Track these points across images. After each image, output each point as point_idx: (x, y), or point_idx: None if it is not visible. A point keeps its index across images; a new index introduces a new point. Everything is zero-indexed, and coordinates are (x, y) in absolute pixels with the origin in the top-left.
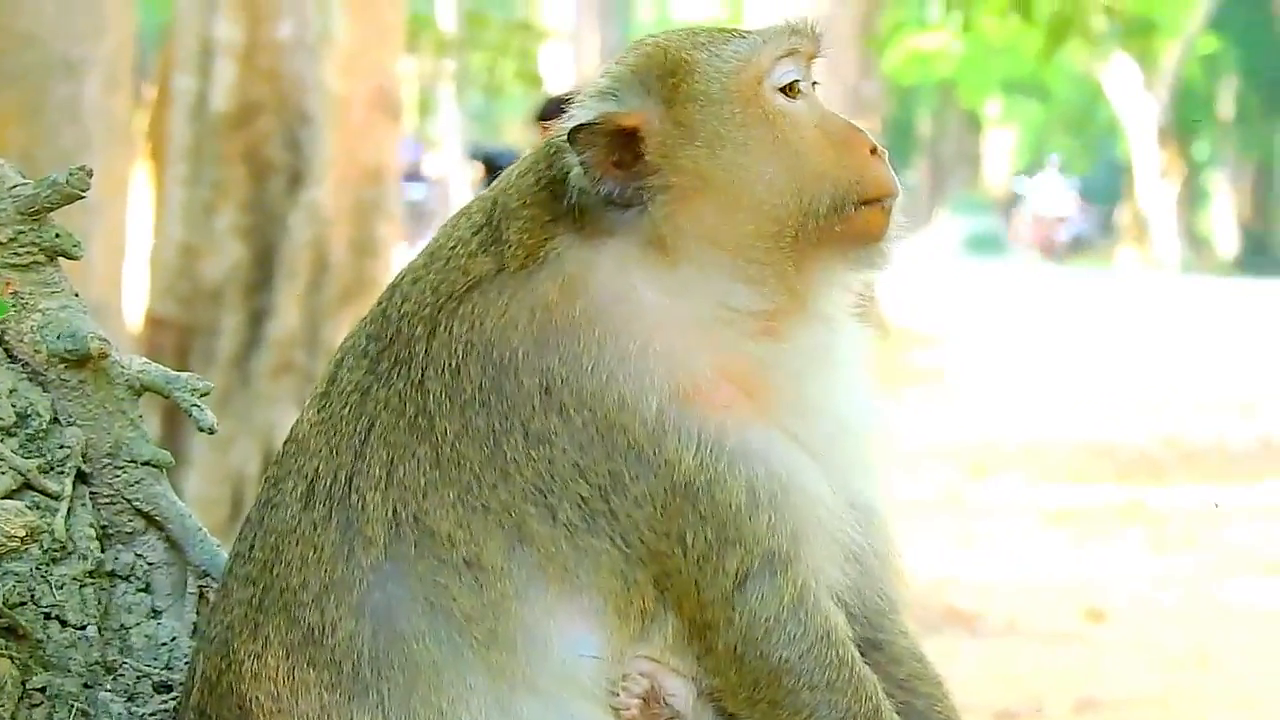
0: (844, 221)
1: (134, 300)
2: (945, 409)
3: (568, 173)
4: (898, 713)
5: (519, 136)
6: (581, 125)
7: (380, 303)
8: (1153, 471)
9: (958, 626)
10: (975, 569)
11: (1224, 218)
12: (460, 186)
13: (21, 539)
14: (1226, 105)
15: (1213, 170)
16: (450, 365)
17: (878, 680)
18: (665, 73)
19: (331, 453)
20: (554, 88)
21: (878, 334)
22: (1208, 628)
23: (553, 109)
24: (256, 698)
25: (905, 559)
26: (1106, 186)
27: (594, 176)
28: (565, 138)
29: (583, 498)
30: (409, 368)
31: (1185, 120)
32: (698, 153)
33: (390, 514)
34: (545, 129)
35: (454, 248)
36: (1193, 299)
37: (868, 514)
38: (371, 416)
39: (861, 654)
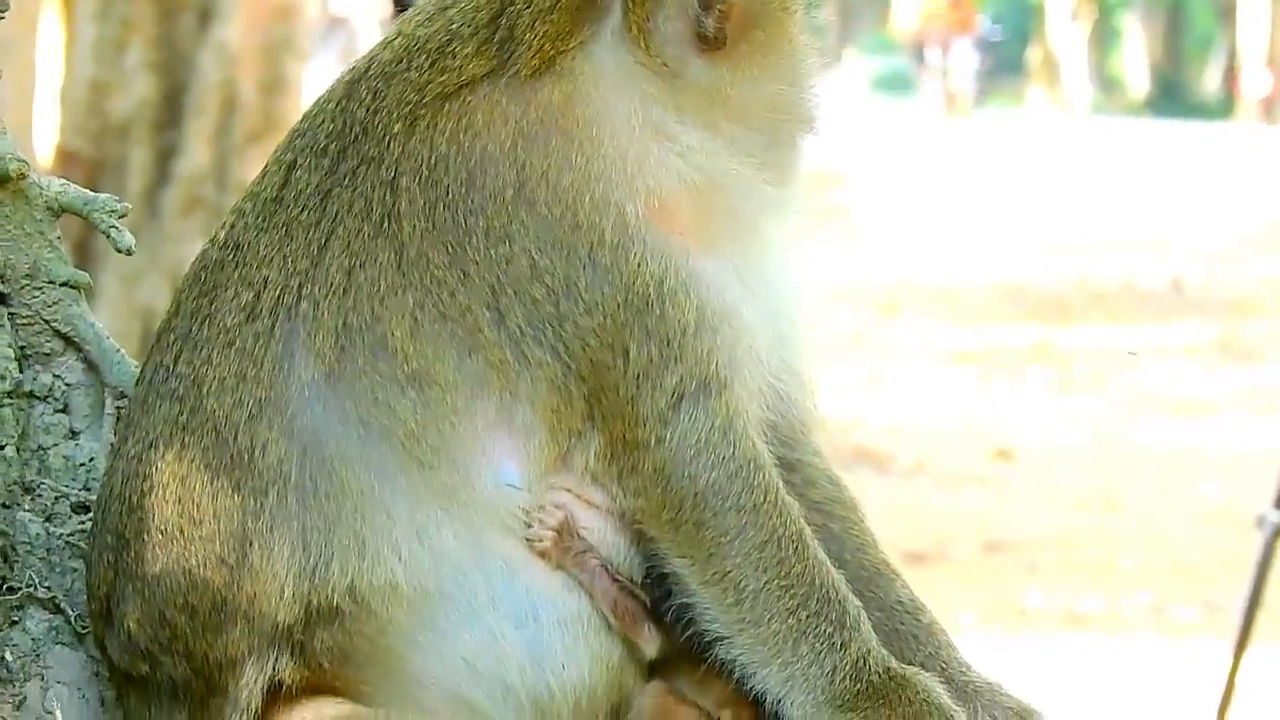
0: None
1: (44, 136)
2: (854, 249)
3: None
4: (813, 532)
5: None
6: None
7: (334, 101)
8: (1062, 312)
9: (867, 466)
10: (884, 409)
11: (1135, 59)
12: (369, 23)
13: None
14: None
15: (1124, 11)
16: (429, 161)
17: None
18: None
19: (284, 260)
20: None
21: None
22: (1115, 469)
23: None
24: (179, 524)
25: (819, 385)
26: (1017, 26)
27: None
28: None
29: (535, 300)
30: (380, 166)
31: None
32: (781, 18)
33: (342, 324)
34: None
35: (446, 45)
36: (1103, 140)
37: (793, 348)
38: (333, 221)
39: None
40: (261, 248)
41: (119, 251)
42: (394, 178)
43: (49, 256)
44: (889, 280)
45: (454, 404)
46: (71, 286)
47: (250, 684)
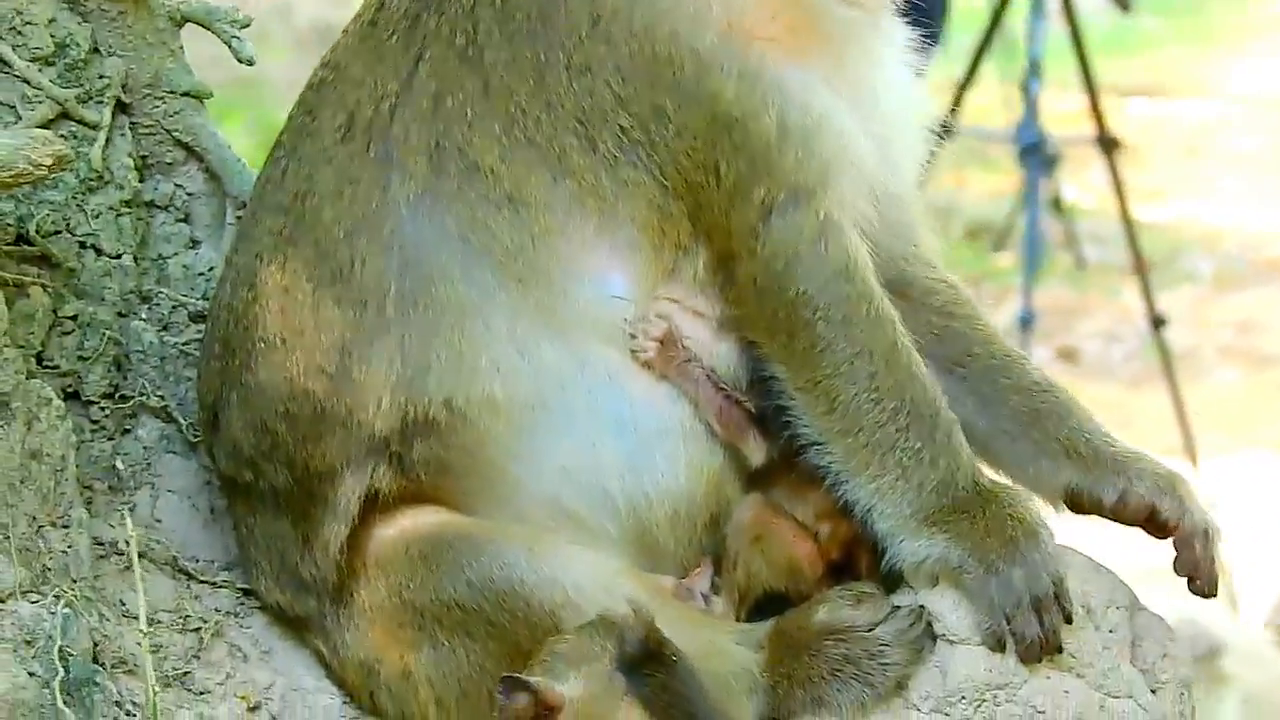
0: None
1: None
2: None
3: None
4: (937, 335)
5: None
6: None
7: None
8: None
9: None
10: None
11: None
12: None
13: (49, 167)
14: None
15: None
16: None
17: (914, 314)
18: None
19: (375, 83)
20: None
21: None
22: None
23: None
24: (281, 334)
25: (925, 202)
26: None
27: None
28: None
29: (623, 129)
30: None
31: None
32: None
33: (433, 146)
34: None
35: None
36: None
37: (896, 159)
38: (421, 47)
39: (892, 294)
40: (355, 70)
41: (240, 62)
42: (473, 6)
43: (171, 66)
44: None
45: (549, 224)
46: (193, 96)
47: (349, 493)
